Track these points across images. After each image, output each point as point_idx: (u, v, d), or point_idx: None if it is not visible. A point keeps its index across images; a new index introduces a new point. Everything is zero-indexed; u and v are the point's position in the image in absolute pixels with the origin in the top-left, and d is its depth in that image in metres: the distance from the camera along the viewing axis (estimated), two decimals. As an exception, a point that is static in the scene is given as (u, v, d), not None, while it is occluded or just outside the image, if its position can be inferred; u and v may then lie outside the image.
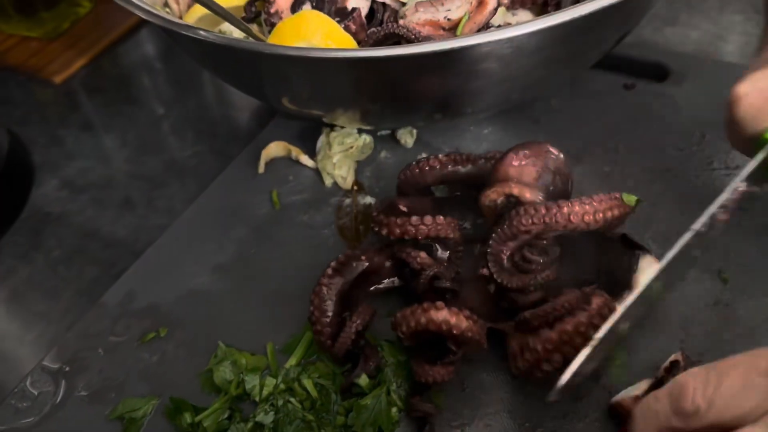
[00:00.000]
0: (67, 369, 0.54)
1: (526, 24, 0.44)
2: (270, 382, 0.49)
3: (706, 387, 0.36)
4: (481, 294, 0.51)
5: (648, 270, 0.48)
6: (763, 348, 0.36)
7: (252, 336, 0.54)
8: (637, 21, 0.57)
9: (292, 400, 0.48)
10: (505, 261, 0.47)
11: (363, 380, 0.47)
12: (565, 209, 0.45)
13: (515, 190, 0.47)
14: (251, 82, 0.57)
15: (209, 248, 0.61)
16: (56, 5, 0.91)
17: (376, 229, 0.51)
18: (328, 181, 0.65)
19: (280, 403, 0.48)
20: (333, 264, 0.51)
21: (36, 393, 0.53)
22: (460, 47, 0.44)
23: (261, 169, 0.67)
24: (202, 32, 0.48)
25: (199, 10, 0.61)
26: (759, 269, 0.54)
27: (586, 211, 0.45)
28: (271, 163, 0.68)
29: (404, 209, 0.51)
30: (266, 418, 0.48)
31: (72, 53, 0.88)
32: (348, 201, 0.64)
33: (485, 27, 0.53)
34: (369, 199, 0.63)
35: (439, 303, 0.46)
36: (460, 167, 0.54)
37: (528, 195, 0.47)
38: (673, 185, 0.61)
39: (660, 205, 0.59)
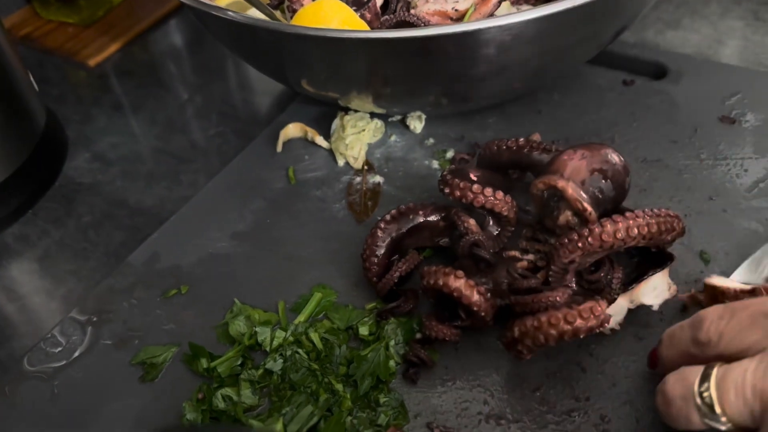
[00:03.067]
0: (95, 319, 0.59)
1: (524, 12, 0.49)
2: (280, 334, 0.54)
3: (719, 321, 0.41)
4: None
5: (655, 282, 0.51)
6: None
7: (265, 295, 0.58)
8: (633, 16, 0.61)
9: (300, 351, 0.53)
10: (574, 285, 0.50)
11: (363, 330, 0.52)
12: (596, 230, 0.47)
13: (560, 184, 0.49)
14: (274, 63, 0.62)
15: (229, 217, 0.66)
16: (93, -6, 0.96)
17: (441, 186, 0.54)
18: (340, 161, 0.70)
19: (289, 353, 0.53)
20: (393, 212, 0.56)
21: (65, 340, 0.58)
22: (463, 32, 0.48)
23: (279, 148, 0.72)
24: (230, 13, 0.53)
25: (227, -2, 0.66)
26: (739, 253, 0.58)
27: (617, 228, 0.47)
28: (289, 143, 0.73)
29: (473, 177, 0.55)
30: (275, 365, 0.52)
31: (105, 39, 0.94)
32: (358, 179, 0.68)
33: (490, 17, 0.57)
34: (378, 178, 0.68)
35: (459, 272, 0.49)
36: (534, 153, 0.56)
37: (570, 191, 0.49)
38: (663, 174, 0.65)
39: (649, 191, 0.63)
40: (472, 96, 0.63)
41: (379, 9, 0.61)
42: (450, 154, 0.69)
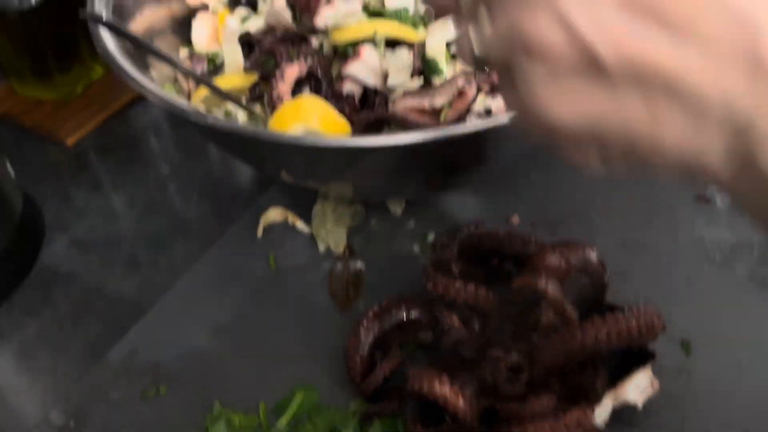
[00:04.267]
0: (72, 424, 0.58)
1: (498, 117, 0.49)
2: (261, 440, 0.53)
3: None
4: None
5: (638, 380, 0.51)
6: None
7: (246, 394, 0.58)
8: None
9: (282, 457, 0.52)
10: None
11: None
12: (578, 334, 0.47)
13: (540, 285, 0.50)
14: (252, 158, 0.63)
15: (208, 309, 0.65)
16: (70, 69, 0.96)
17: (424, 281, 0.55)
18: (321, 246, 0.70)
19: (271, 460, 0.52)
20: (375, 308, 0.56)
21: (41, 446, 0.57)
22: (437, 138, 0.49)
23: (260, 233, 0.72)
24: (210, 119, 0.53)
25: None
26: (721, 341, 0.58)
27: (599, 332, 0.47)
28: (270, 227, 0.73)
29: (455, 270, 0.56)
30: (257, 474, 0.51)
31: (84, 116, 0.94)
32: (340, 266, 0.68)
33: (466, 113, 0.58)
34: (359, 264, 0.68)
35: (444, 377, 0.49)
36: (515, 244, 0.57)
37: (550, 293, 0.50)
38: (641, 257, 0.66)
39: (628, 276, 0.64)
40: (452, 184, 0.63)
41: (357, 102, 0.62)
42: (431, 237, 0.69)
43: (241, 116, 0.64)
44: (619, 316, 0.49)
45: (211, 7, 0.81)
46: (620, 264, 0.65)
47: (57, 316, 0.69)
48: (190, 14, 0.84)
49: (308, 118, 0.58)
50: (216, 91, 0.61)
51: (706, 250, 0.65)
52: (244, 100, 0.65)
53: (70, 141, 0.91)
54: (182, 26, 0.84)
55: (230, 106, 0.64)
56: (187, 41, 0.82)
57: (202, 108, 0.65)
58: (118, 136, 0.92)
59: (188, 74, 0.63)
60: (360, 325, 0.55)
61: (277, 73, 0.61)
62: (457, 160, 0.55)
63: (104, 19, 0.54)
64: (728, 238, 0.66)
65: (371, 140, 0.50)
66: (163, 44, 0.80)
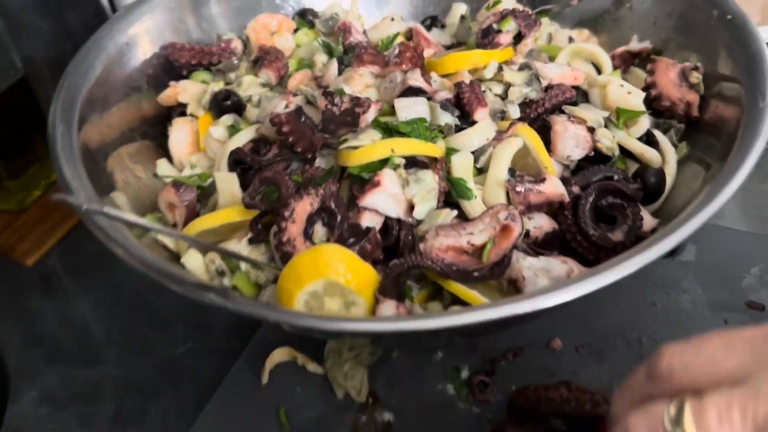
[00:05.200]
0: None
1: (557, 292, 0.42)
2: None
3: (682, 352, 0.36)
4: None
5: None
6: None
7: None
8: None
9: None
10: None
11: None
12: None
13: None
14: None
15: (216, 490, 0.55)
16: (23, 174, 0.85)
17: None
18: (339, 393, 0.60)
19: None
20: None
21: None
22: (488, 321, 0.41)
23: (265, 379, 0.62)
24: (211, 296, 0.43)
25: (200, 224, 0.57)
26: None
27: None
28: (276, 369, 0.63)
29: None
30: None
31: (43, 228, 0.82)
32: (364, 419, 0.59)
33: (511, 251, 0.50)
34: (387, 416, 0.59)
35: None
36: (582, 405, 0.50)
37: None
38: (705, 387, 0.58)
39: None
40: (489, 331, 0.55)
41: (379, 238, 0.53)
42: (465, 373, 0.61)
43: (243, 265, 0.54)
44: None
45: (189, 110, 0.72)
46: (683, 397, 0.57)
47: (30, 504, 0.58)
48: (164, 115, 0.75)
49: (331, 272, 0.49)
50: (206, 247, 0.52)
51: (774, 373, 0.59)
52: (245, 242, 0.55)
53: (30, 261, 0.79)
54: (155, 127, 0.74)
55: (231, 244, 0.55)
56: (164, 147, 0.72)
57: (196, 255, 0.56)
58: (84, 253, 0.81)
59: (174, 236, 0.54)
60: None
61: (286, 212, 0.52)
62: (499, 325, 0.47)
63: (83, 209, 0.45)
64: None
65: (406, 324, 0.42)
66: (138, 154, 0.71)
